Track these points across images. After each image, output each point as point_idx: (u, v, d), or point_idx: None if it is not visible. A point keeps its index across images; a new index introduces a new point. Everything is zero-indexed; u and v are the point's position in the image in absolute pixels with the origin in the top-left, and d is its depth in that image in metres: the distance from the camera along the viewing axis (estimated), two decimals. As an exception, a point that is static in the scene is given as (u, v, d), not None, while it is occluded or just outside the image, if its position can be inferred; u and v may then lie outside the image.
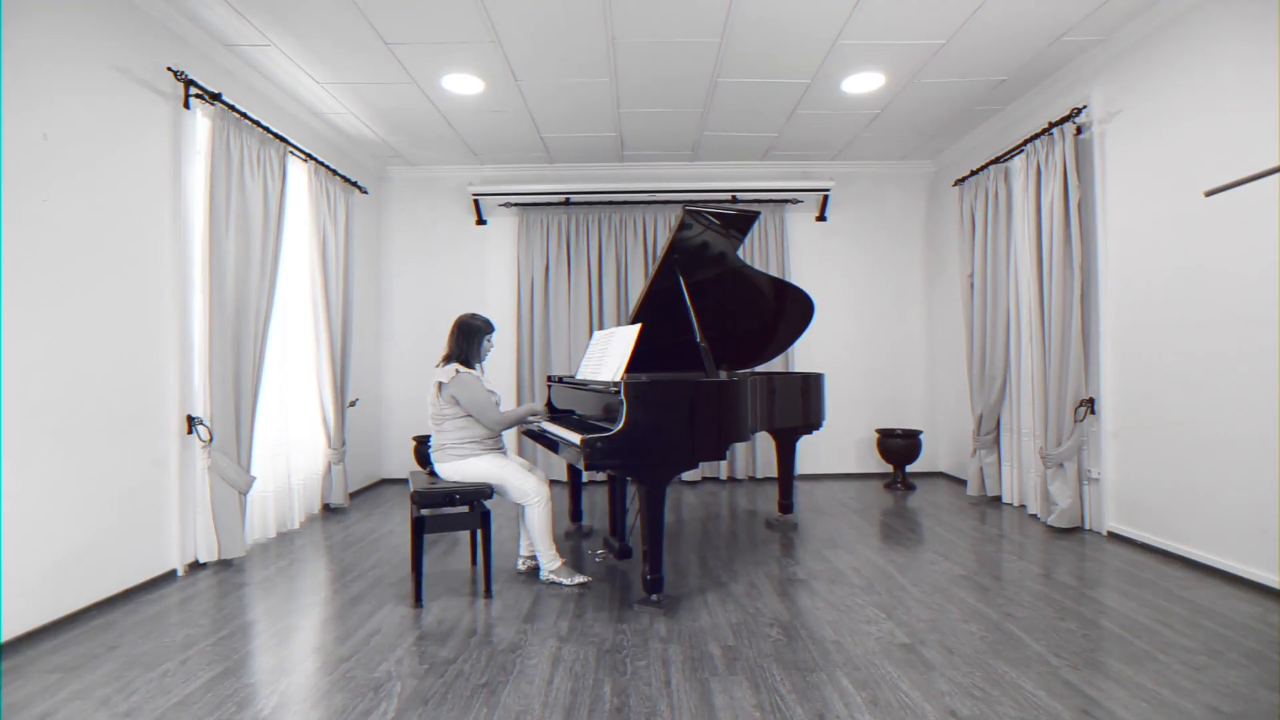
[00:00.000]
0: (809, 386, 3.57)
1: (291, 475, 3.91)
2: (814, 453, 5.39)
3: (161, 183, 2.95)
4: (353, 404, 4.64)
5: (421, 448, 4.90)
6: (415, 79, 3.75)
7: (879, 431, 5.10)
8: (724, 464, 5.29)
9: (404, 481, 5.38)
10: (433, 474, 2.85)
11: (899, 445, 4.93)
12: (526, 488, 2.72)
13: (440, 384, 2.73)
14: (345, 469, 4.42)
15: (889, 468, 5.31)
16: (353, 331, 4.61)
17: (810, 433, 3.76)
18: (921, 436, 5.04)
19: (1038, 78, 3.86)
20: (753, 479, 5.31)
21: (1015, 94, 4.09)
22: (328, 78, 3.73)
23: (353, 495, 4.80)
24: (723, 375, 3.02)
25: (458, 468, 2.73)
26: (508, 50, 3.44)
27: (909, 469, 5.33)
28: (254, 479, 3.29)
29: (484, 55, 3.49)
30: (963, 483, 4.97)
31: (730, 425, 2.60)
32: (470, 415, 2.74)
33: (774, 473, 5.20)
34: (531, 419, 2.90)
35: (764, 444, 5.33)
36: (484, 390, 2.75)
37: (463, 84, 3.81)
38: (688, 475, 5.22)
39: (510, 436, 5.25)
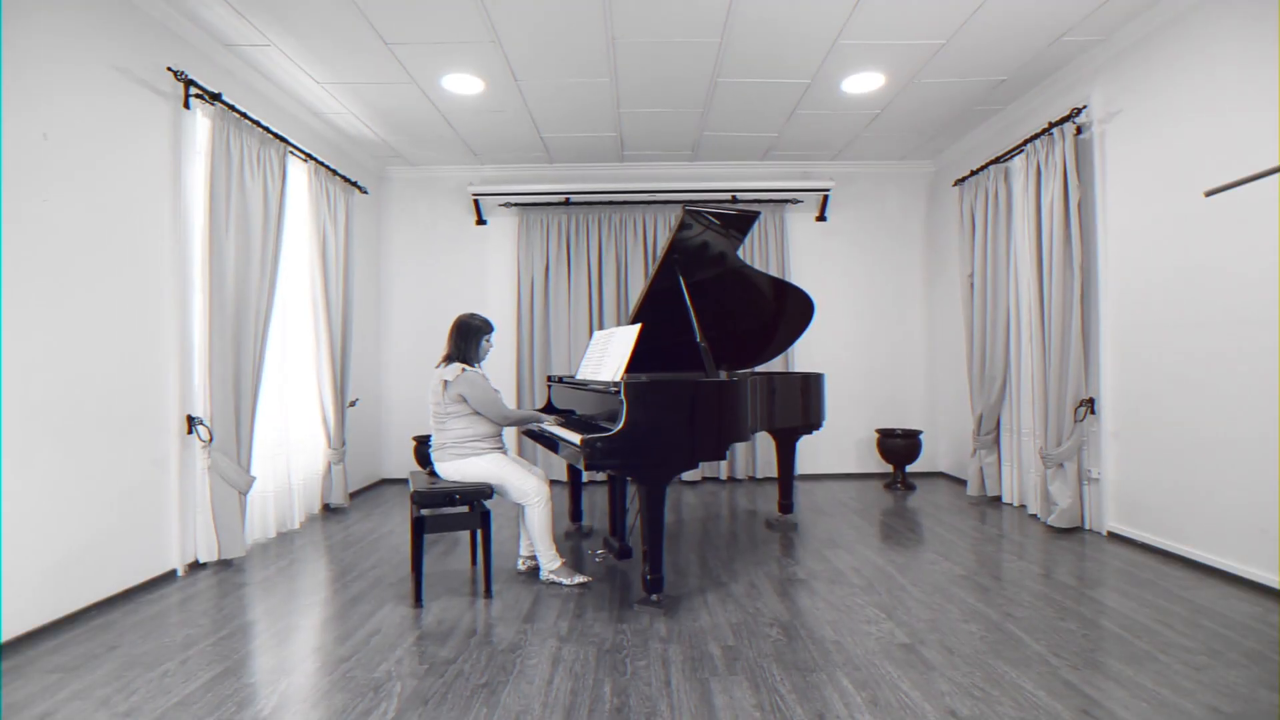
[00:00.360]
0: (809, 386, 3.57)
1: (291, 475, 3.91)
2: (814, 453, 5.38)
3: (161, 183, 2.95)
4: (353, 404, 4.64)
5: (422, 448, 4.90)
6: (415, 79, 3.75)
7: (879, 431, 5.10)
8: (724, 464, 5.29)
9: (404, 481, 5.38)
10: (433, 474, 2.85)
11: (899, 445, 4.93)
12: (527, 488, 2.72)
13: (446, 382, 2.74)
14: (345, 469, 4.41)
15: (889, 468, 5.31)
16: (353, 331, 4.61)
17: (810, 433, 3.75)
18: (921, 436, 5.04)
19: (1038, 78, 3.86)
20: (753, 479, 5.31)
21: (1015, 94, 4.09)
22: (328, 78, 3.72)
23: (353, 495, 4.80)
24: (723, 375, 3.02)
25: (458, 467, 2.73)
26: (508, 50, 3.44)
27: (909, 469, 5.33)
28: (254, 479, 3.29)
29: (484, 55, 3.49)
30: (963, 483, 4.97)
31: (730, 425, 2.60)
32: (476, 413, 2.75)
33: (774, 473, 5.20)
34: (538, 419, 2.90)
35: (764, 444, 5.32)
36: (491, 387, 2.76)
37: (463, 84, 3.81)
38: (688, 475, 5.21)
39: (510, 436, 5.24)
